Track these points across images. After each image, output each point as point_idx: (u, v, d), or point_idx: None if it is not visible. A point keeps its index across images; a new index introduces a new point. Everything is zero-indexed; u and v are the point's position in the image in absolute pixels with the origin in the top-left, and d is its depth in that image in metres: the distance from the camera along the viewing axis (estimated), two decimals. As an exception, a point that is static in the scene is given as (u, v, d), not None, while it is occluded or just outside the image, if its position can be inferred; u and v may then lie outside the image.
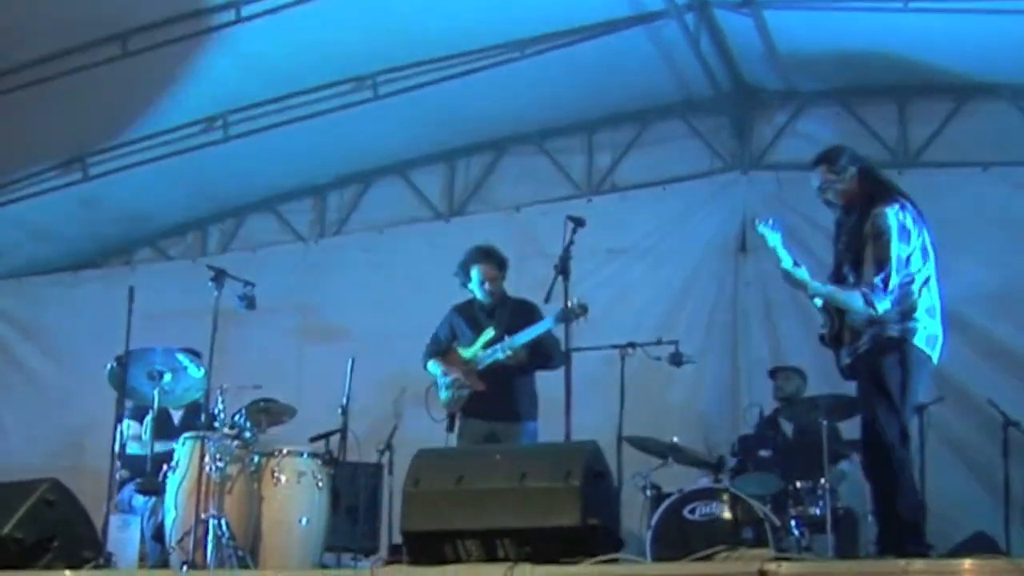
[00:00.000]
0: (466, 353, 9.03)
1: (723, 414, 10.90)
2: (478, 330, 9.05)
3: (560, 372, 8.06)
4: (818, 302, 7.07)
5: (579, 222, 8.11)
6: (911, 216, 6.87)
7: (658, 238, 11.63)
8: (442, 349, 9.22)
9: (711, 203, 11.52)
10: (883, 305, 6.69)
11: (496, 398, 8.89)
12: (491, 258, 9.11)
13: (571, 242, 8.07)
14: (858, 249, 6.86)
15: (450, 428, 8.98)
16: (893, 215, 6.79)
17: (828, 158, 7.15)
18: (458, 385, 8.95)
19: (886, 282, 6.69)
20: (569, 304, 8.19)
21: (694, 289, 11.38)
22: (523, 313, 8.98)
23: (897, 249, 6.74)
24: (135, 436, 9.48)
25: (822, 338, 7.11)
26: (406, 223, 12.82)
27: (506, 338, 8.79)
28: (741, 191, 11.37)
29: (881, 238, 6.75)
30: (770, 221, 7.01)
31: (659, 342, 9.36)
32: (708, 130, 11.88)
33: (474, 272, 9.07)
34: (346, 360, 9.21)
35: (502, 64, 10.74)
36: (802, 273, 6.92)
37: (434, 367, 9.18)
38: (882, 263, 6.72)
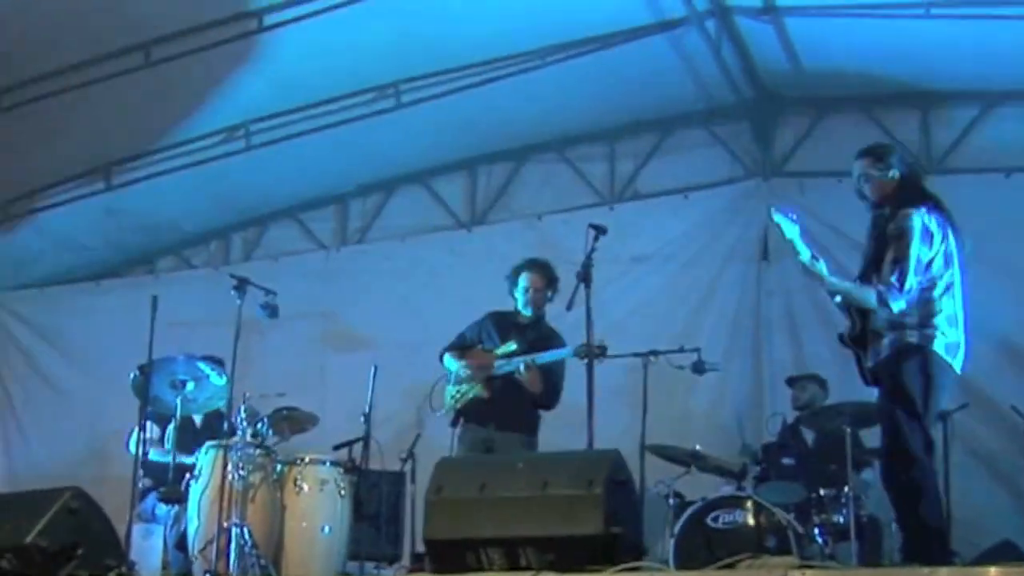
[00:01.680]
0: (486, 350, 9.05)
1: (746, 422, 10.86)
2: (504, 339, 9.04)
3: (582, 380, 8.04)
4: (838, 299, 7.02)
5: (601, 230, 8.10)
6: (936, 221, 6.82)
7: (680, 246, 11.61)
8: (464, 346, 9.21)
9: (733, 211, 11.48)
10: (898, 305, 6.64)
11: (499, 407, 8.88)
12: (543, 270, 9.11)
13: (593, 249, 8.06)
14: (881, 249, 6.82)
15: (454, 424, 9.00)
16: (918, 217, 6.76)
17: (875, 152, 7.12)
18: (469, 377, 8.93)
19: (902, 282, 6.64)
20: (592, 343, 8.15)
21: (716, 297, 11.36)
22: (550, 340, 8.99)
23: (917, 251, 6.70)
24: (156, 440, 9.50)
25: (841, 338, 7.06)
26: (428, 231, 12.84)
27: (522, 359, 8.76)
28: (763, 198, 11.29)
29: (903, 239, 6.72)
30: (792, 215, 6.94)
31: (681, 350, 9.31)
32: (730, 137, 11.86)
33: (522, 278, 9.07)
34: (368, 368, 9.20)
35: (524, 72, 10.74)
36: (820, 268, 6.86)
37: (450, 361, 9.17)
38: (900, 263, 6.68)
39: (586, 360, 8.00)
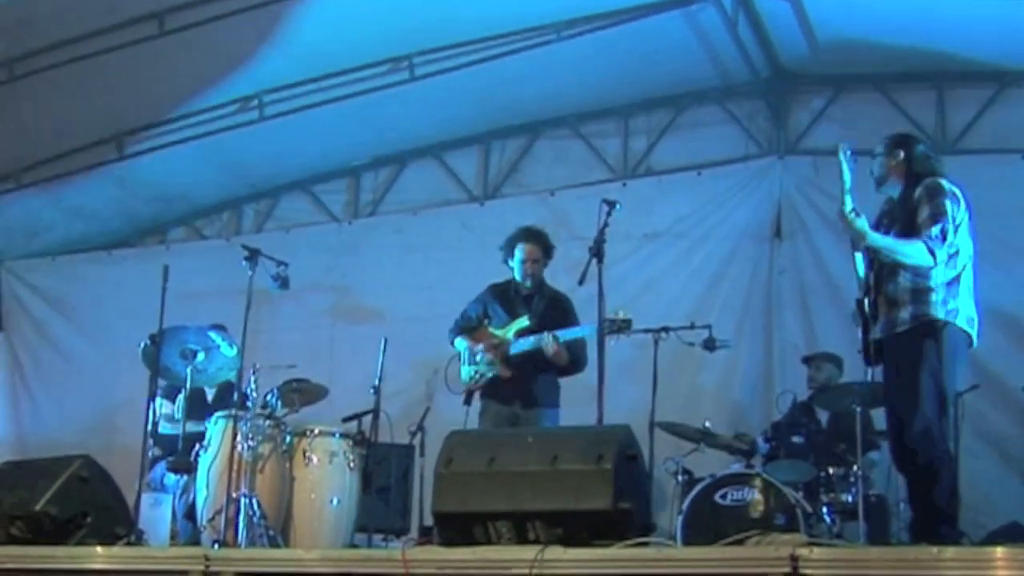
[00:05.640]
0: (498, 332, 9.02)
1: (756, 400, 10.89)
2: (512, 314, 9.03)
3: (592, 356, 8.07)
4: (860, 271, 7.00)
5: (614, 205, 8.08)
6: (959, 189, 6.83)
7: (693, 223, 11.60)
8: (471, 326, 9.20)
9: (747, 188, 11.46)
10: (942, 254, 6.61)
11: (519, 385, 8.89)
12: (538, 239, 9.09)
13: (606, 225, 8.03)
14: (909, 217, 6.78)
15: (467, 402, 8.98)
16: (946, 181, 6.77)
17: (887, 143, 7.12)
18: (487, 361, 8.93)
19: (944, 232, 6.62)
20: (613, 315, 8.18)
21: (728, 274, 11.35)
22: (559, 307, 9.01)
23: (951, 208, 6.69)
24: (168, 416, 9.52)
25: (859, 304, 7.01)
26: (440, 205, 12.86)
27: (546, 333, 8.72)
28: (777, 176, 11.33)
29: (936, 197, 6.69)
30: (853, 161, 6.92)
31: (692, 327, 9.32)
32: (744, 115, 11.85)
33: (518, 249, 9.05)
34: (378, 341, 9.18)
35: (538, 47, 10.72)
36: (862, 223, 6.82)
37: (461, 343, 9.17)
38: (938, 217, 6.65)
39: (607, 335, 8.02)
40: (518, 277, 9.09)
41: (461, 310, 9.34)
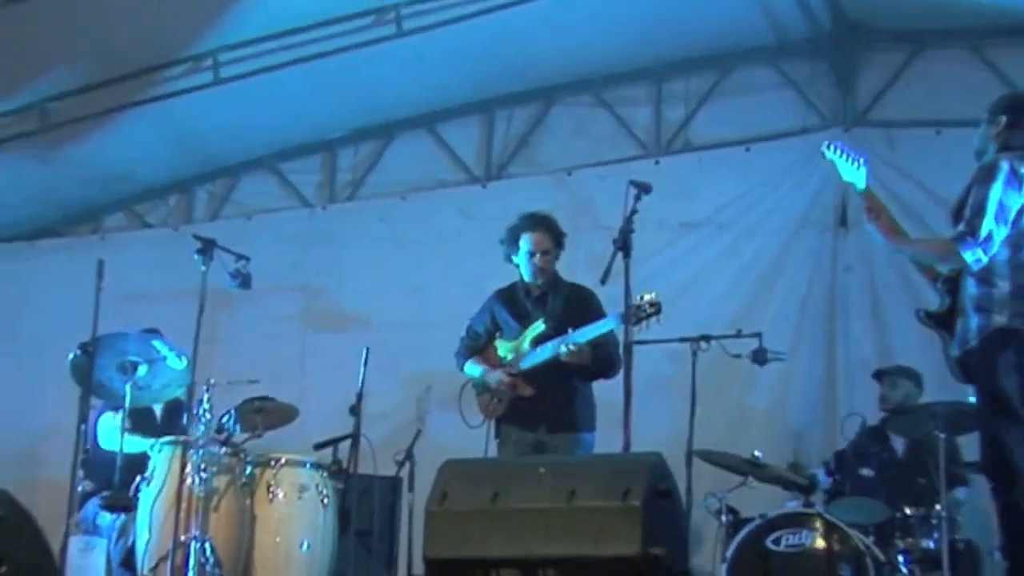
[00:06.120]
0: (504, 350, 8.99)
1: (817, 424, 10.88)
2: (525, 321, 8.96)
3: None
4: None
5: (644, 188, 8.03)
6: None
7: (740, 209, 11.60)
8: (481, 345, 9.16)
9: (806, 167, 11.39)
10: (973, 254, 6.55)
11: (546, 404, 8.80)
12: (546, 227, 9.00)
13: (634, 212, 7.99)
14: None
15: (497, 434, 8.94)
16: (1006, 160, 6.69)
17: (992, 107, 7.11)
18: (502, 387, 8.89)
19: (976, 228, 6.56)
20: (638, 301, 8.14)
21: (783, 271, 11.36)
22: (579, 302, 8.90)
23: (1000, 193, 6.58)
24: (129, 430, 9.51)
25: (919, 315, 7.01)
26: (434, 187, 12.88)
27: (566, 333, 8.69)
28: (843, 152, 11.33)
29: (985, 182, 6.65)
30: (835, 148, 6.98)
31: (739, 335, 9.32)
32: (803, 78, 11.84)
33: (524, 241, 8.95)
34: (359, 352, 9.16)
35: (553, -6, 10.76)
36: (883, 227, 6.86)
37: (473, 369, 9.11)
38: (977, 208, 6.59)
39: (635, 325, 7.97)
40: (526, 275, 9.04)
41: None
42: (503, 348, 9.00)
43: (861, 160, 7.01)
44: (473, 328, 9.24)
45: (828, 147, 7.13)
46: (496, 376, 8.91)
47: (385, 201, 12.92)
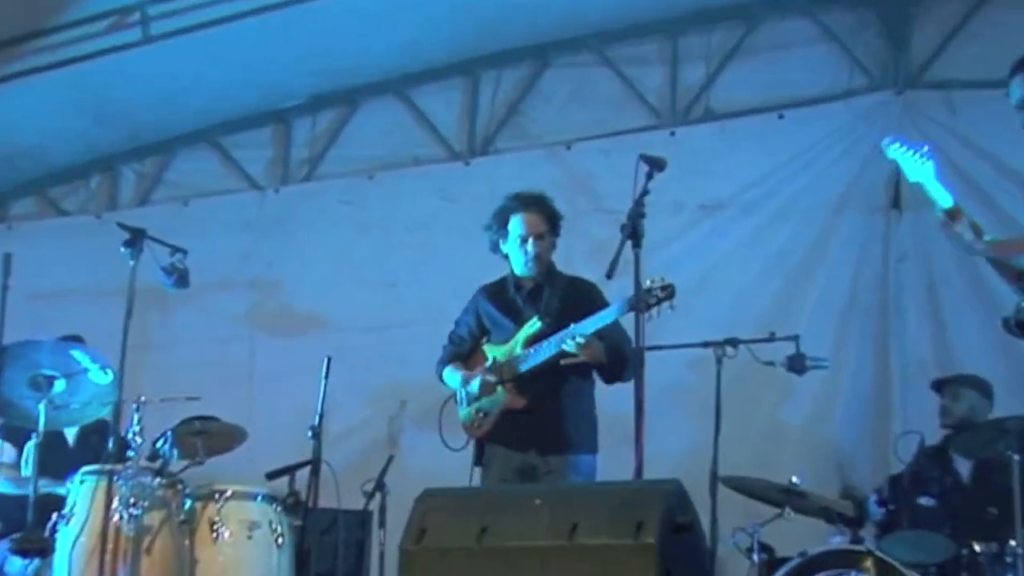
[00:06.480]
0: (496, 352, 8.97)
1: (865, 443, 10.87)
2: (516, 319, 8.94)
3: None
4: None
5: (657, 164, 8.01)
6: None
7: (771, 188, 11.61)
8: (465, 350, 9.16)
9: (849, 137, 11.45)
10: None
11: (537, 420, 8.76)
12: (540, 207, 8.98)
13: (645, 192, 7.96)
14: None
15: (478, 460, 8.92)
16: None
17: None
18: (486, 390, 8.86)
19: None
20: (646, 285, 8.11)
21: (823, 262, 11.36)
22: (579, 297, 8.87)
23: None
24: (9, 466, 9.50)
25: (1007, 323, 7.03)
26: (406, 165, 12.92)
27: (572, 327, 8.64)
28: (894, 119, 11.28)
29: None
30: (921, 150, 6.93)
31: (772, 338, 9.28)
32: (847, 31, 11.85)
33: (513, 224, 8.93)
34: (320, 359, 9.16)
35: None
36: (967, 232, 6.85)
37: (452, 377, 9.10)
38: None
39: (645, 313, 7.90)
40: (516, 266, 9.02)
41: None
42: (493, 352, 8.95)
43: (924, 151, 6.97)
44: (457, 332, 9.24)
45: (890, 144, 7.07)
46: (479, 380, 8.86)
47: (349, 181, 12.97)
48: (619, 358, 8.58)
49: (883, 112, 11.42)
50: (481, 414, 8.88)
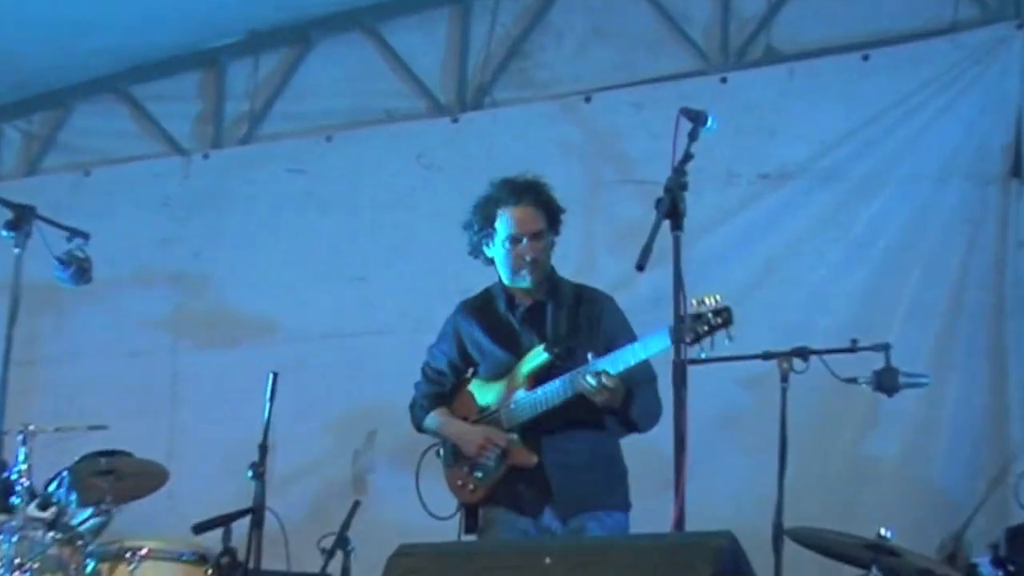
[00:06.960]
0: (485, 396, 8.95)
1: (978, 484, 10.88)
2: (512, 347, 8.92)
3: (665, 399, 8.03)
4: None
5: (703, 121, 8.01)
6: None
7: (853, 152, 11.58)
8: (448, 388, 9.13)
9: (956, 85, 11.44)
10: None
11: (552, 475, 8.73)
12: (535, 198, 8.91)
13: (688, 157, 7.95)
14: None
15: (471, 528, 8.91)
16: None
17: None
18: (482, 455, 8.80)
19: None
20: (695, 307, 8.00)
21: (921, 247, 11.33)
22: (594, 314, 8.90)
23: None
24: None
25: None
26: (377, 122, 12.95)
27: (579, 363, 8.58)
28: (1015, 62, 11.29)
29: None
30: None
31: (854, 348, 9.30)
32: (949, -54, 11.88)
33: (502, 220, 8.87)
34: (262, 377, 9.21)
35: None
36: None
37: (433, 422, 9.06)
38: None
39: (694, 345, 7.84)
40: (505, 275, 8.97)
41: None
42: (483, 393, 8.95)
43: None
44: (433, 366, 9.20)
45: None
46: (473, 439, 8.83)
47: (301, 143, 13.03)
48: (645, 409, 8.61)
49: (1000, 51, 11.39)
50: (476, 482, 8.84)
